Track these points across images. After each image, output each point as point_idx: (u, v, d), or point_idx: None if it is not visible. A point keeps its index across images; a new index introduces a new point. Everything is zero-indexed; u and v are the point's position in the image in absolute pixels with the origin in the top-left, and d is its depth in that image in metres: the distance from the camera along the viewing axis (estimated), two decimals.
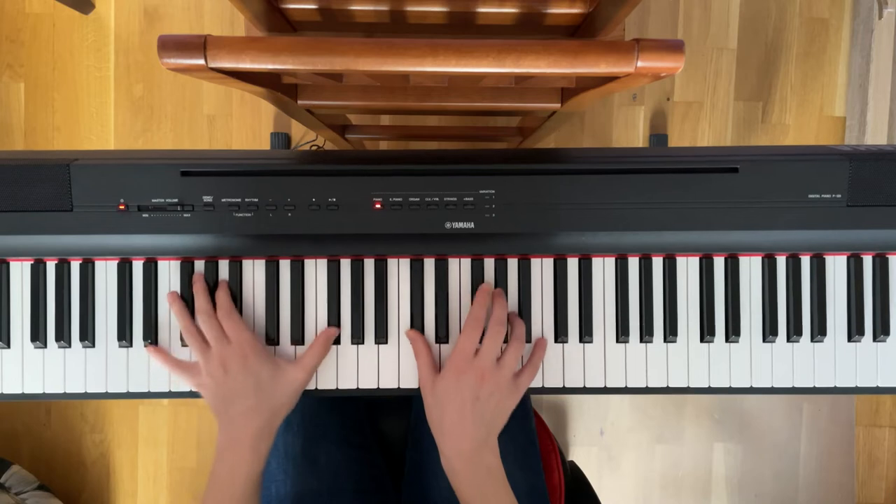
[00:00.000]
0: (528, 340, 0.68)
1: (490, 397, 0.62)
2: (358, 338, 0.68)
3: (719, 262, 0.68)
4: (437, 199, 0.65)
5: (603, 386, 0.68)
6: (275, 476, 0.76)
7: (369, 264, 0.68)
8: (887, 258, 0.68)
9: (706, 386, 0.68)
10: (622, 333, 0.68)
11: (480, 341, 0.64)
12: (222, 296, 0.66)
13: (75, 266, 0.68)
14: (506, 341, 0.66)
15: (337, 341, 0.68)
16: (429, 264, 0.68)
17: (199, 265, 0.68)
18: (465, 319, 0.66)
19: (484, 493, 0.61)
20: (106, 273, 0.68)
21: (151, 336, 0.67)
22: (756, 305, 0.68)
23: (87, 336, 0.67)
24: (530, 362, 0.66)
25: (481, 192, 0.65)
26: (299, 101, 0.85)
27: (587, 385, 0.68)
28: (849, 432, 1.53)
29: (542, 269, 0.68)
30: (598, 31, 0.75)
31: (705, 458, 1.53)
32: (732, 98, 1.50)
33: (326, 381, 0.68)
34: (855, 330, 0.68)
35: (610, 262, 0.68)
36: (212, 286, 0.67)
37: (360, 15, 0.79)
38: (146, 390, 0.68)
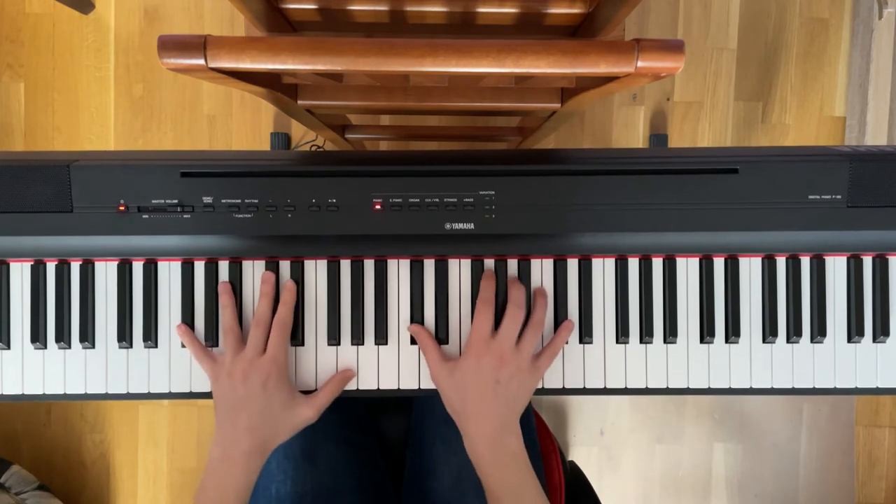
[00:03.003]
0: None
1: (510, 380, 0.63)
2: (358, 339, 0.68)
3: (719, 263, 0.68)
4: (437, 199, 0.65)
5: (603, 387, 0.68)
6: (275, 476, 0.76)
7: (369, 265, 0.68)
8: (887, 259, 0.68)
9: (706, 387, 0.68)
10: (622, 334, 0.68)
11: (496, 325, 0.65)
12: (286, 311, 0.66)
13: (75, 267, 0.68)
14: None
15: (337, 342, 0.68)
16: (429, 265, 0.68)
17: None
18: (476, 303, 0.66)
19: (508, 476, 0.62)
20: (106, 274, 0.68)
21: (151, 337, 0.67)
22: (756, 306, 0.68)
23: (87, 337, 0.67)
24: (551, 344, 0.66)
25: (481, 192, 0.65)
26: (299, 101, 0.85)
27: (587, 386, 0.68)
28: (849, 432, 1.53)
29: (541, 269, 0.68)
30: (598, 31, 0.75)
31: (705, 458, 1.53)
32: (732, 98, 1.50)
33: (321, 384, 0.68)
34: (855, 331, 0.68)
35: (610, 262, 0.68)
36: (214, 287, 0.67)
37: (360, 15, 0.79)
38: (146, 391, 0.68)
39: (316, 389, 0.68)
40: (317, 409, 0.66)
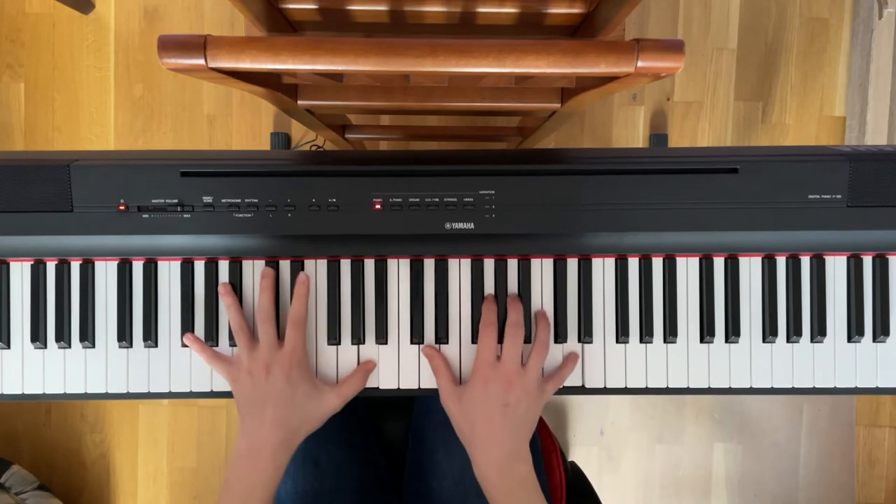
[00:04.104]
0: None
1: (518, 403, 0.62)
2: (358, 338, 0.68)
3: (719, 263, 0.68)
4: (437, 199, 0.65)
5: (603, 386, 0.68)
6: None
7: (369, 265, 0.68)
8: (887, 259, 0.68)
9: (706, 386, 0.68)
10: (622, 334, 0.68)
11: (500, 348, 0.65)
12: (301, 305, 0.66)
13: (75, 266, 0.68)
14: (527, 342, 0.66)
15: (337, 342, 0.68)
16: (429, 265, 0.68)
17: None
18: (479, 327, 0.66)
19: (517, 502, 0.61)
20: (106, 273, 0.68)
21: (151, 337, 0.67)
22: (756, 306, 0.68)
23: (87, 336, 0.67)
24: (559, 374, 0.66)
25: (481, 192, 0.65)
26: (299, 101, 0.85)
27: (587, 385, 0.68)
28: (849, 432, 1.53)
29: (541, 269, 0.68)
30: (598, 31, 0.75)
31: (705, 458, 1.53)
32: (732, 98, 1.50)
33: (326, 382, 0.68)
34: (855, 330, 0.68)
35: (610, 262, 0.68)
36: (214, 287, 0.67)
37: (360, 15, 0.79)
38: (146, 391, 0.68)
39: None
40: (343, 398, 0.65)
